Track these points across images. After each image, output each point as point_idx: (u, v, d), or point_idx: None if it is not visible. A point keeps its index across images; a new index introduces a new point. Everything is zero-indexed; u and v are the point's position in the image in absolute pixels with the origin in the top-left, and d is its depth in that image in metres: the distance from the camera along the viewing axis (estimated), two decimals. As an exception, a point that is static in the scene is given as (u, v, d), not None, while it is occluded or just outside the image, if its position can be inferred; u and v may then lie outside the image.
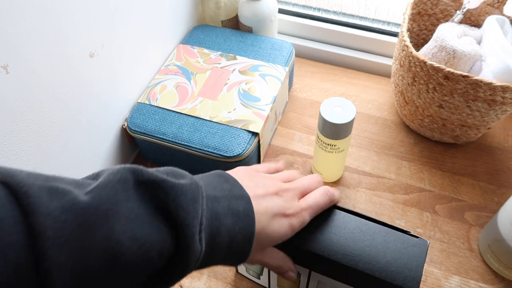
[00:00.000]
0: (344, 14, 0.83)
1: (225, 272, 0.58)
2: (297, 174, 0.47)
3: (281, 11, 0.86)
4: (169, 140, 0.62)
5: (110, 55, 0.59)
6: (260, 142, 0.64)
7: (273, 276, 0.51)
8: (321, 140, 0.59)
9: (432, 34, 0.66)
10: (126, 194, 0.30)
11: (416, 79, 0.61)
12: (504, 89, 0.55)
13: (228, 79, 0.68)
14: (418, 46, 0.75)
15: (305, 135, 0.72)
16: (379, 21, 0.81)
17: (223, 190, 0.37)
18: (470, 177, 0.65)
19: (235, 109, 0.64)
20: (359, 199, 0.64)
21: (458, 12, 0.67)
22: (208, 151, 0.60)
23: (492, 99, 0.57)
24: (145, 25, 0.66)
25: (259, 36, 0.76)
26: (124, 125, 0.65)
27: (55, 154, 0.53)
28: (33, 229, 0.24)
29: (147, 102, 0.66)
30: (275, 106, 0.68)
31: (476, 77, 0.55)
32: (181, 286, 0.56)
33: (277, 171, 0.47)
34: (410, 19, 0.70)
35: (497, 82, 0.55)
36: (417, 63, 0.59)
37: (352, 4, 0.81)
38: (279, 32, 0.87)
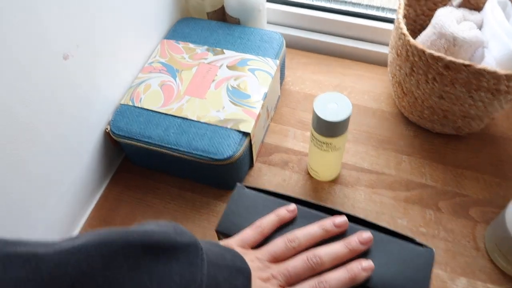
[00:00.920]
0: (336, 0, 0.79)
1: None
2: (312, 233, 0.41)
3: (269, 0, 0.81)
4: (155, 144, 0.58)
5: (87, 55, 0.54)
6: (252, 142, 0.60)
7: None
8: (316, 138, 0.55)
9: (430, 20, 0.62)
10: (128, 263, 0.28)
11: (414, 69, 0.58)
12: (508, 77, 0.51)
13: (216, 75, 0.64)
14: (415, 32, 0.71)
15: (299, 131, 0.69)
16: (373, 7, 0.77)
17: (225, 259, 0.35)
18: (474, 170, 0.62)
19: (224, 107, 0.61)
20: (358, 198, 0.61)
21: (457, -5, 0.63)
22: (196, 154, 0.57)
23: (496, 88, 0.53)
24: (125, 20, 0.61)
25: (247, 28, 0.71)
26: (107, 129, 0.61)
27: (29, 165, 0.49)
28: None
29: (130, 104, 0.62)
30: (267, 102, 0.64)
31: (479, 66, 0.51)
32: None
33: (280, 222, 0.43)
34: (406, 4, 0.66)
35: (501, 71, 0.51)
36: (415, 52, 0.56)
37: (344, -10, 0.77)
38: (268, 22, 0.83)
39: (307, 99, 0.73)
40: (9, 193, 0.47)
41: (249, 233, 0.41)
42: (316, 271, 0.38)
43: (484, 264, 0.53)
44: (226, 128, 0.59)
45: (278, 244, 0.40)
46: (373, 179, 0.63)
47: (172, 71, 0.66)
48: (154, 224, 0.33)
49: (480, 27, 0.62)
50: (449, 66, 0.53)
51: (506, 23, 0.57)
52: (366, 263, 0.38)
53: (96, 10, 0.54)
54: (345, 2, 0.78)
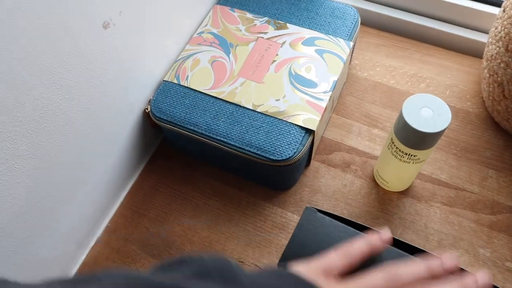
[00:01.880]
0: (422, -30, 0.66)
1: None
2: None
3: (341, -37, 0.68)
4: (201, 133, 0.50)
5: (130, 23, 0.45)
6: (314, 141, 0.51)
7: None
8: (397, 147, 0.45)
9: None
10: None
11: (529, 71, 0.46)
12: None
13: (277, 55, 0.54)
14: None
15: (365, 127, 0.59)
16: (469, -18, 0.64)
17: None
18: None
19: (284, 96, 0.51)
20: (432, 217, 0.51)
21: None
22: (250, 151, 0.48)
23: None
24: (175, -18, 0.51)
25: (315, -2, 0.60)
26: (147, 109, 0.53)
27: (60, 152, 0.42)
28: None
29: (175, 81, 0.53)
30: (334, 93, 0.54)
31: None
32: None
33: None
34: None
35: None
36: (536, 51, 0.44)
37: (436, -42, 0.63)
38: (337, -9, 0.71)
39: (377, 89, 0.62)
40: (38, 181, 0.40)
41: (336, 259, 0.33)
42: None
43: None
44: (287, 122, 0.49)
45: (378, 279, 0.31)
46: (452, 195, 0.53)
47: (225, 45, 0.56)
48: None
49: None
50: None
51: None
52: (482, 278, 0.31)
53: (145, -32, 0.44)
54: (434, -27, 0.65)
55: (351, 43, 0.55)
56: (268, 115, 0.50)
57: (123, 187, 0.56)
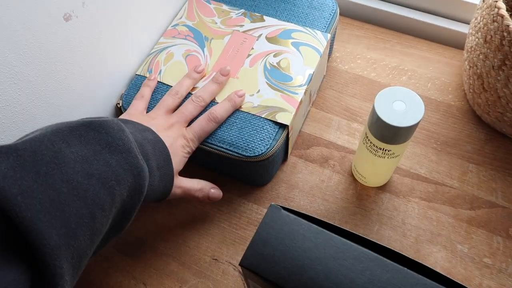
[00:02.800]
0: (404, -40, 0.64)
1: (238, 299, 0.47)
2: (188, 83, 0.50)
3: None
4: (173, 129, 0.49)
5: (95, 14, 0.44)
6: (289, 135, 0.50)
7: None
8: (371, 142, 0.44)
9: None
10: (65, 142, 0.31)
11: (507, 62, 0.45)
12: None
13: (252, 48, 0.53)
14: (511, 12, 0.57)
15: (345, 121, 0.58)
16: (451, -29, 0.62)
17: (129, 127, 0.40)
18: (559, 192, 0.51)
19: (259, 91, 0.50)
20: (410, 213, 0.51)
21: None
22: (222, 148, 0.47)
23: None
24: (145, -27, 0.50)
25: (293, -11, 0.58)
26: (119, 104, 0.52)
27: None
28: None
29: (148, 76, 0.52)
30: (311, 86, 0.52)
31: None
32: (183, 312, 0.46)
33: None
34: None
35: None
36: (514, 42, 0.43)
37: None
38: (318, -18, 0.69)
39: (357, 82, 0.61)
40: None
41: (169, 100, 0.48)
42: (203, 107, 0.48)
43: None
44: (260, 117, 0.48)
45: (188, 106, 0.48)
46: (431, 190, 0.52)
47: (200, 38, 0.54)
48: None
49: None
50: (561, 65, 0.40)
51: None
52: (240, 92, 0.49)
53: (109, -42, 0.43)
54: (416, -37, 0.64)
55: (329, 35, 0.54)
56: (241, 111, 0.49)
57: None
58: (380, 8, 0.65)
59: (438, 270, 0.31)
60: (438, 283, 0.31)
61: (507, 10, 0.57)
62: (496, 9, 0.45)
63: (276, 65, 0.51)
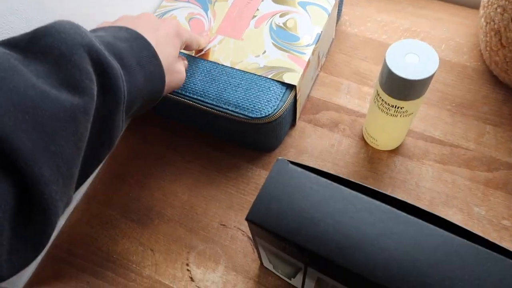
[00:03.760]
0: None
1: (247, 264, 0.46)
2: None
3: None
4: (177, 93, 0.47)
5: (95, -26, 0.42)
6: (297, 97, 0.48)
7: (310, 281, 0.38)
8: (382, 99, 0.42)
9: None
10: (18, 60, 0.26)
11: (527, 12, 0.42)
12: None
13: (257, 9, 0.51)
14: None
15: (355, 85, 0.56)
16: None
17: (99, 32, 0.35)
18: None
19: (265, 52, 0.48)
20: (424, 176, 0.49)
21: None
22: (227, 110, 0.46)
23: None
24: None
25: None
26: (121, 69, 0.51)
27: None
28: None
29: (150, 40, 0.50)
30: (319, 47, 0.50)
31: None
32: (191, 278, 0.45)
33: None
34: None
35: None
36: (534, -11, 0.40)
37: None
38: None
39: (368, 45, 0.59)
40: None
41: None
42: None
43: None
44: (266, 78, 0.46)
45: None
46: (446, 153, 0.50)
47: (203, 0, 0.53)
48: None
49: None
50: None
51: None
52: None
53: None
54: None
55: (337, -6, 0.52)
56: (247, 72, 0.47)
57: (103, 153, 0.54)
58: (391, -32, 0.63)
59: (454, 222, 0.30)
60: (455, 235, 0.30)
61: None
62: (515, -45, 0.42)
63: (283, 26, 0.49)
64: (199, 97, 0.47)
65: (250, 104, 0.45)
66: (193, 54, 0.49)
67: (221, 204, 0.49)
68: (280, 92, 0.46)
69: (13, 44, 0.28)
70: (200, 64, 0.48)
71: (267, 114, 0.45)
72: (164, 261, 0.46)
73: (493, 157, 0.49)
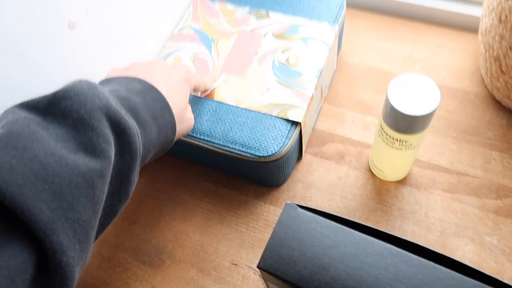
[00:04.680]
0: None
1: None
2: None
3: None
4: (184, 133, 0.48)
5: (100, 22, 0.44)
6: (302, 132, 0.49)
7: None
8: (386, 133, 0.43)
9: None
10: (38, 124, 0.28)
11: (526, 42, 0.43)
12: None
13: (259, 46, 0.52)
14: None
15: (359, 116, 0.56)
16: (460, -46, 0.60)
17: (113, 84, 0.36)
18: None
19: (269, 89, 0.49)
20: (433, 206, 0.49)
21: None
22: (234, 149, 0.46)
23: None
24: (147, -21, 0.50)
25: (298, -16, 0.57)
26: (128, 112, 0.51)
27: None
28: None
29: (155, 82, 0.51)
30: (321, 81, 0.51)
31: None
32: (205, 319, 0.45)
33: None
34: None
35: None
36: (531, 20, 0.41)
37: None
38: (323, -24, 0.68)
39: (369, 74, 0.59)
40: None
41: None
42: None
43: None
44: (271, 116, 0.47)
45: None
46: (453, 181, 0.50)
47: (206, 40, 0.54)
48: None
49: None
50: None
51: None
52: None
53: (110, -34, 0.43)
54: (423, -52, 0.62)
55: (337, 26, 0.53)
56: (252, 110, 0.48)
57: (112, 194, 0.54)
58: (388, -3, 0.64)
59: (466, 263, 0.29)
60: (467, 277, 0.30)
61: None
62: (511, -13, 0.43)
63: (285, 62, 0.50)
64: (206, 138, 0.47)
65: (256, 143, 0.46)
66: (198, 95, 0.50)
67: (231, 243, 0.49)
68: (286, 129, 0.47)
69: (33, 106, 0.29)
70: (206, 104, 0.49)
71: (273, 152, 0.45)
72: (177, 302, 0.46)
73: (501, 184, 0.49)
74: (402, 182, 0.51)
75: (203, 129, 0.48)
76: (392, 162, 0.47)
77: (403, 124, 0.40)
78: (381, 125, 0.43)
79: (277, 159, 0.46)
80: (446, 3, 0.62)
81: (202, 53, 0.53)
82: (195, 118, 0.48)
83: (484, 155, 0.51)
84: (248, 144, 0.46)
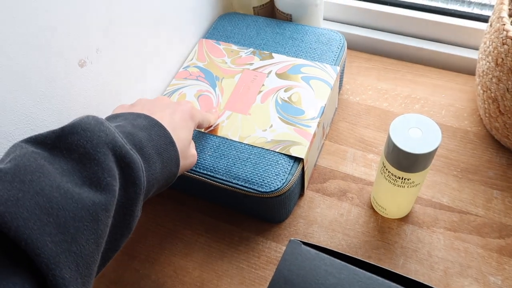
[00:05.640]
0: (408, -7, 0.66)
1: None
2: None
3: (326, -9, 0.69)
4: (187, 168, 0.48)
5: (109, 59, 0.45)
6: (305, 169, 0.49)
7: None
8: (389, 171, 0.43)
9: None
10: (44, 158, 0.28)
11: (522, 84, 0.44)
12: None
13: (263, 85, 0.54)
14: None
15: (360, 153, 0.57)
16: (456, 0, 0.63)
17: (119, 119, 0.37)
18: None
19: (271, 126, 0.50)
20: (436, 244, 0.48)
21: None
22: (237, 184, 0.46)
23: None
24: (157, 15, 0.52)
25: (300, 26, 0.60)
26: (133, 146, 0.52)
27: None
28: None
29: (161, 117, 0.52)
30: (323, 119, 0.52)
31: None
32: None
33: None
34: (506, -1, 0.52)
35: None
36: (527, 63, 0.42)
37: (420, -20, 0.63)
38: (324, 19, 0.71)
39: (370, 113, 0.60)
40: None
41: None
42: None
43: None
44: (274, 152, 0.48)
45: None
46: (455, 219, 0.50)
47: (211, 78, 0.55)
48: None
49: None
50: None
51: None
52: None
53: (122, 3, 0.45)
54: (419, -6, 0.65)
55: (338, 68, 0.54)
56: (255, 147, 0.48)
57: (113, 228, 0.54)
58: (387, 39, 0.66)
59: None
60: None
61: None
62: (505, 32, 0.44)
63: (288, 100, 0.52)
64: (209, 173, 0.48)
65: (259, 179, 0.46)
66: (202, 130, 0.51)
67: (232, 280, 0.48)
68: (288, 165, 0.47)
69: (40, 141, 0.29)
70: (209, 140, 0.50)
71: (276, 188, 0.46)
72: None
73: (503, 223, 0.49)
74: (404, 219, 0.51)
75: (207, 164, 0.48)
76: (394, 200, 0.47)
77: (406, 162, 0.41)
78: (383, 163, 0.44)
79: (280, 195, 0.46)
80: (443, 46, 0.64)
81: (206, 91, 0.54)
82: (198, 153, 0.49)
83: (485, 193, 0.51)
84: (251, 179, 0.46)
